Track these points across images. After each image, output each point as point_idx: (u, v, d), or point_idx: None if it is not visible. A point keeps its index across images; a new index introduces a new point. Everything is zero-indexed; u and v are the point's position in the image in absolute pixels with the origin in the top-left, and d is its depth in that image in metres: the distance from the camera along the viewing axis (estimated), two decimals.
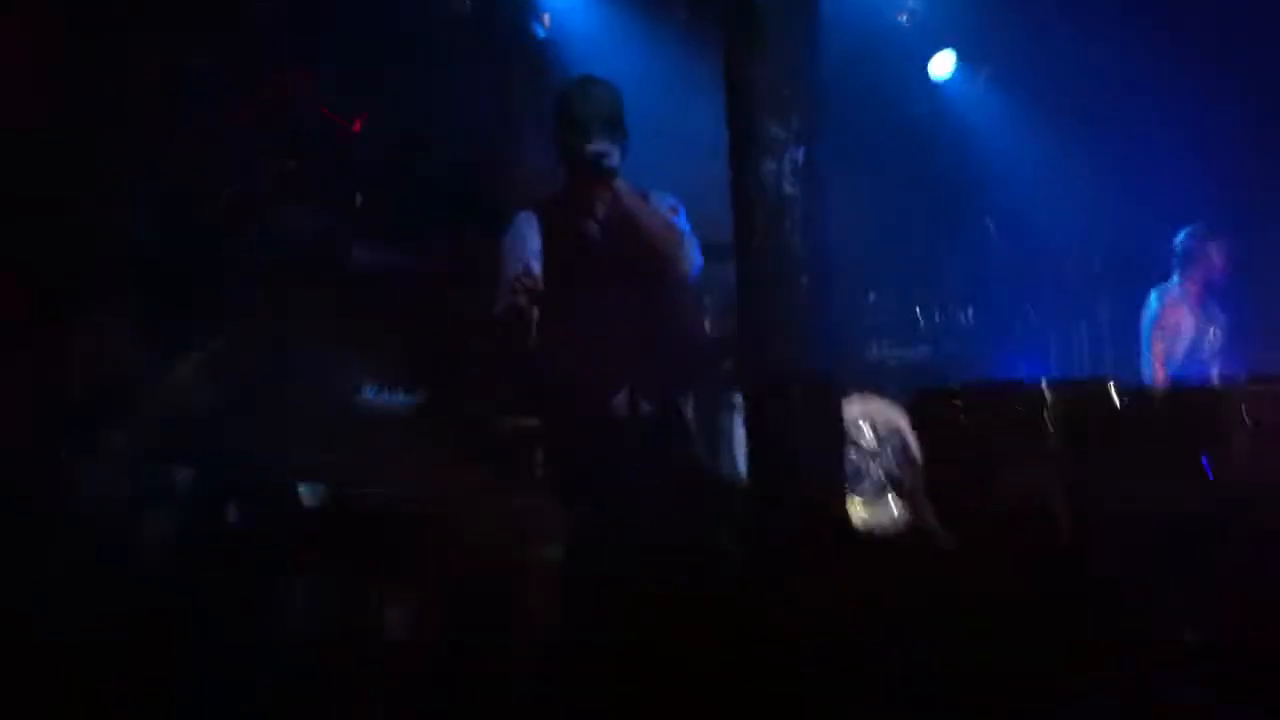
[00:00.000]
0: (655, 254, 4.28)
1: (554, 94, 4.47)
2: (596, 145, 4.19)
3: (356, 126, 6.02)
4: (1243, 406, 4.48)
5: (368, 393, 5.11)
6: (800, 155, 4.40)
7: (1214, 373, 6.60)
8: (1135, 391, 4.56)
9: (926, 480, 4.43)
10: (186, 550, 4.01)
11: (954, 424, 4.26)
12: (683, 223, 4.42)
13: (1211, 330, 6.71)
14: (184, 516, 4.08)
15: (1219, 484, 4.19)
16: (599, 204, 4.33)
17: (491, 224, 6.40)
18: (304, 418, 4.51)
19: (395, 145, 6.13)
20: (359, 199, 5.81)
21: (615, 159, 4.25)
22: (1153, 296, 6.85)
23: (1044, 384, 4.19)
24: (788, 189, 4.44)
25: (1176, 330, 6.72)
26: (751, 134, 5.03)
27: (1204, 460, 4.22)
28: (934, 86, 8.35)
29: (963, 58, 8.25)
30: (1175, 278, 6.83)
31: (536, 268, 4.24)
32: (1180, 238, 6.85)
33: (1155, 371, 6.71)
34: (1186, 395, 4.87)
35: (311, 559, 4.29)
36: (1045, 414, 4.11)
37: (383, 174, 6.05)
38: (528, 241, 4.26)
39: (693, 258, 4.43)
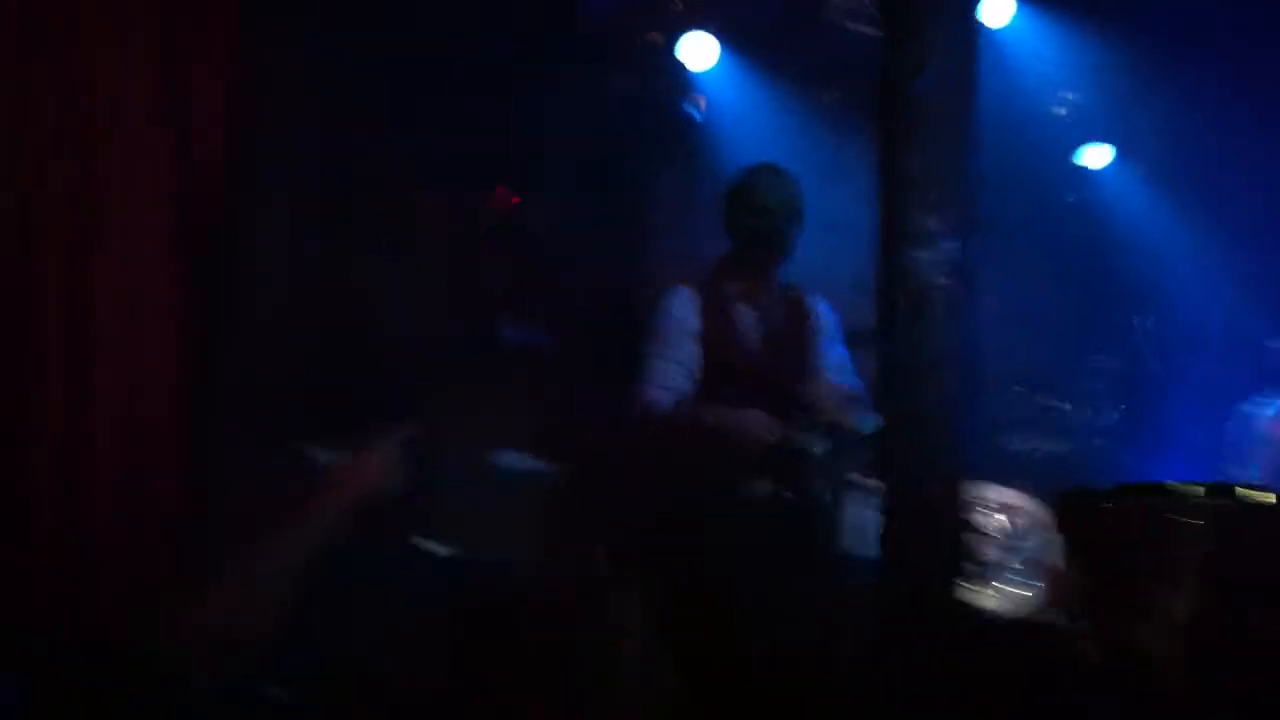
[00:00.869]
0: (804, 351, 4.26)
1: (734, 178, 4.50)
2: (779, 225, 4.21)
3: (515, 199, 6.16)
4: None
5: (504, 460, 5.19)
6: (951, 247, 4.39)
7: None
8: None
9: (1067, 583, 4.33)
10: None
11: (1099, 527, 4.14)
12: (829, 315, 4.40)
13: None
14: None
15: None
16: (764, 293, 4.32)
17: (632, 307, 6.55)
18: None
19: (553, 225, 6.24)
20: (505, 279, 5.92)
21: (793, 242, 4.27)
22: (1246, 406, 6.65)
23: (1203, 490, 4.06)
24: (937, 279, 4.43)
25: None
26: (903, 223, 5.03)
27: None
28: (1089, 179, 8.25)
29: (1119, 151, 8.15)
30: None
31: (693, 353, 4.22)
32: None
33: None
34: None
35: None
36: (1203, 523, 3.98)
37: (539, 254, 6.17)
38: (686, 322, 4.26)
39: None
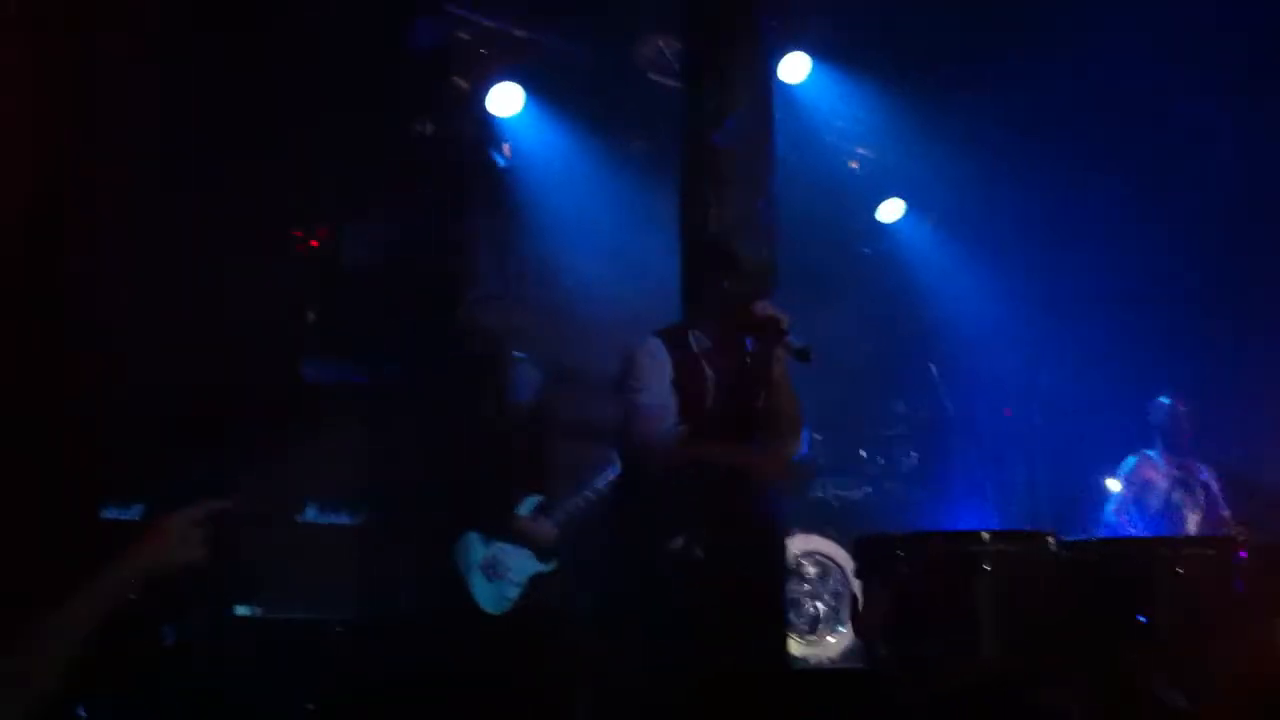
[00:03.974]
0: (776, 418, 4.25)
1: (713, 238, 4.49)
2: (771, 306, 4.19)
3: (315, 243, 6.06)
4: (1175, 564, 4.59)
5: (309, 513, 5.08)
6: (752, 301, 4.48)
7: (1192, 523, 6.74)
8: (1074, 545, 4.60)
9: (863, 621, 4.44)
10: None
11: (894, 571, 4.27)
12: None
13: (1183, 492, 6.86)
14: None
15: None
16: (736, 348, 4.28)
17: (441, 343, 6.52)
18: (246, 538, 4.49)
19: (362, 264, 6.16)
20: (311, 316, 5.81)
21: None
22: (1130, 459, 6.99)
23: (985, 536, 4.23)
24: None
25: (1145, 485, 6.88)
26: (705, 275, 5.14)
27: (1140, 616, 4.28)
28: (883, 231, 8.54)
29: (911, 204, 8.45)
30: (1156, 445, 6.98)
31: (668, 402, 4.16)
32: (1152, 411, 7.01)
33: (1119, 516, 6.85)
34: (1120, 549, 4.93)
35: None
36: (984, 567, 4.14)
37: (340, 290, 6.08)
38: (665, 369, 4.19)
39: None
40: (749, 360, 4.24)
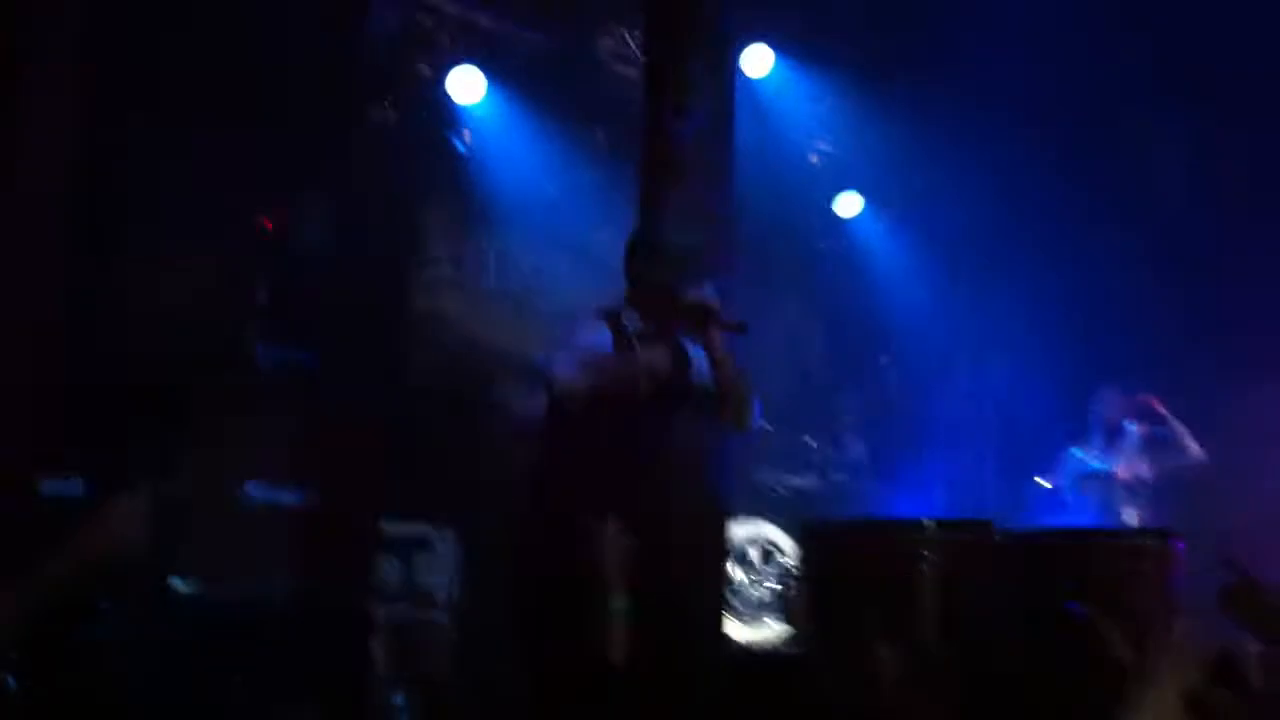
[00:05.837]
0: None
1: (641, 225, 4.52)
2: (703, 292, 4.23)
3: (269, 224, 6.05)
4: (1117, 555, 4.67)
5: (252, 490, 5.09)
6: (708, 286, 4.53)
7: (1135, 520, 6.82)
8: (1014, 534, 4.67)
9: (804, 607, 4.49)
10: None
11: (837, 558, 4.33)
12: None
13: (1124, 490, 6.94)
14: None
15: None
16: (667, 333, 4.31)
17: (395, 326, 6.53)
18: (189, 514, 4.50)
19: (312, 247, 6.16)
20: (263, 296, 5.81)
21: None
22: (1075, 451, 7.05)
23: (927, 524, 4.28)
24: None
25: (1086, 484, 6.95)
26: (629, 262, 5.16)
27: (1072, 605, 4.34)
28: (840, 224, 8.61)
29: (869, 199, 8.52)
30: (1095, 438, 7.05)
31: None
32: (1096, 403, 7.08)
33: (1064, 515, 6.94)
34: (1059, 539, 5.00)
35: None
36: (926, 553, 4.20)
37: (297, 274, 6.07)
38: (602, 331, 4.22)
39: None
40: (680, 345, 4.27)
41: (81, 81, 5.19)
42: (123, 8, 5.47)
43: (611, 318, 4.32)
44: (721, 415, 4.31)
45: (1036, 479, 7.09)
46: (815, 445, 7.77)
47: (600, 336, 4.24)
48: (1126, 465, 6.93)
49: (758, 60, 7.54)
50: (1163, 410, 6.95)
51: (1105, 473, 6.92)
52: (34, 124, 4.96)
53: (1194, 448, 6.90)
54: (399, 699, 5.20)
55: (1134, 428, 6.96)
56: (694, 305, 4.17)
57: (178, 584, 4.38)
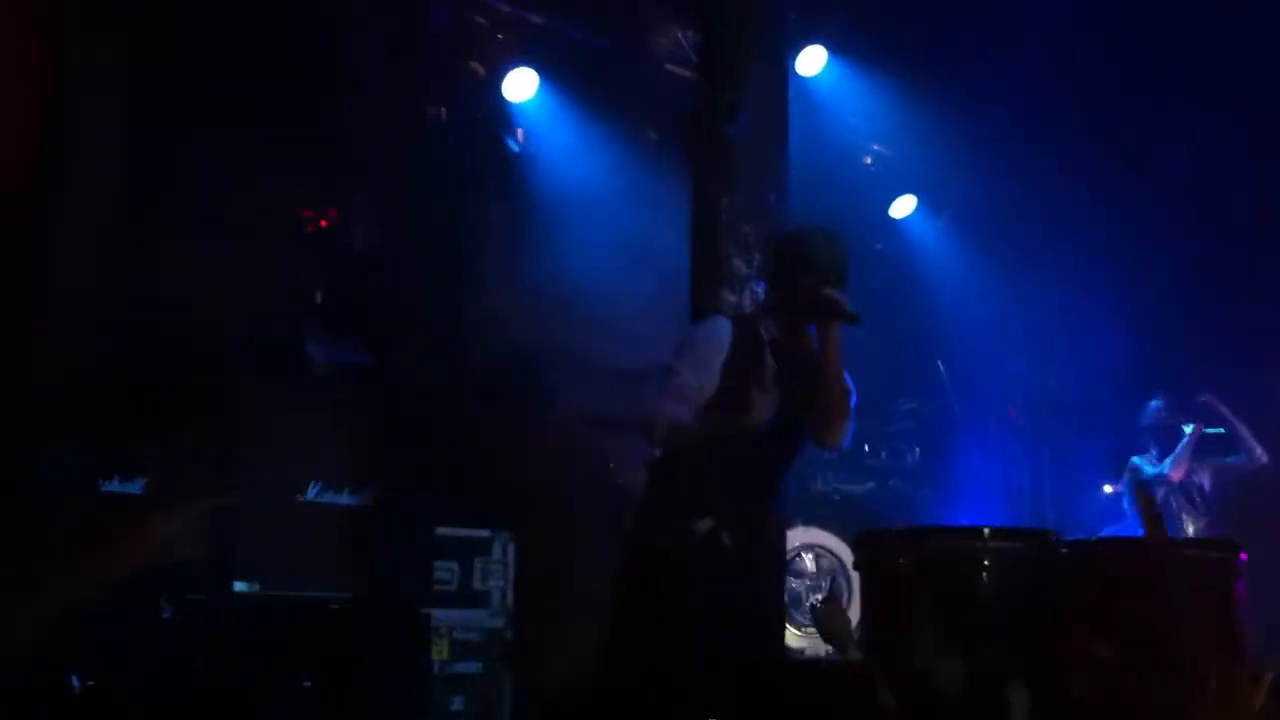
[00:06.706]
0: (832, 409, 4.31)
1: (791, 237, 4.52)
2: (836, 292, 4.24)
3: (324, 223, 6.07)
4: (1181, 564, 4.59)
5: (310, 492, 5.10)
6: (761, 290, 4.49)
7: (1191, 529, 6.71)
8: (1074, 544, 4.59)
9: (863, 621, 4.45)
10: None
11: (893, 566, 4.27)
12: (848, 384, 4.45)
13: (1182, 498, 6.82)
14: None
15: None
16: (796, 344, 4.33)
17: (450, 326, 6.53)
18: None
19: (365, 246, 6.17)
20: (319, 296, 5.82)
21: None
22: (1136, 461, 6.95)
23: (985, 532, 4.22)
24: None
25: (1154, 490, 6.84)
26: (714, 265, 5.14)
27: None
28: (895, 227, 8.54)
29: (923, 202, 8.45)
30: (1152, 449, 6.94)
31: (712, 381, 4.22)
32: (1146, 414, 6.97)
33: (1146, 526, 6.82)
34: (1120, 549, 4.92)
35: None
36: (985, 563, 4.13)
37: (352, 273, 6.08)
38: (720, 349, 4.24)
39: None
40: (812, 351, 4.27)
41: (132, 80, 5.22)
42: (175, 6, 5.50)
43: (748, 322, 4.33)
44: (812, 423, 4.31)
45: (1105, 487, 7.00)
46: (870, 451, 7.72)
47: (722, 337, 4.23)
48: (1181, 470, 6.81)
49: (811, 60, 7.49)
50: (1223, 410, 6.83)
51: (1163, 479, 6.81)
52: (85, 123, 4.98)
53: (1258, 450, 6.79)
54: (457, 700, 5.20)
55: (1190, 431, 6.84)
56: (829, 299, 4.18)
57: (236, 585, 4.39)
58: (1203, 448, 6.87)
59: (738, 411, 4.16)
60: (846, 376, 4.37)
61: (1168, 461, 6.80)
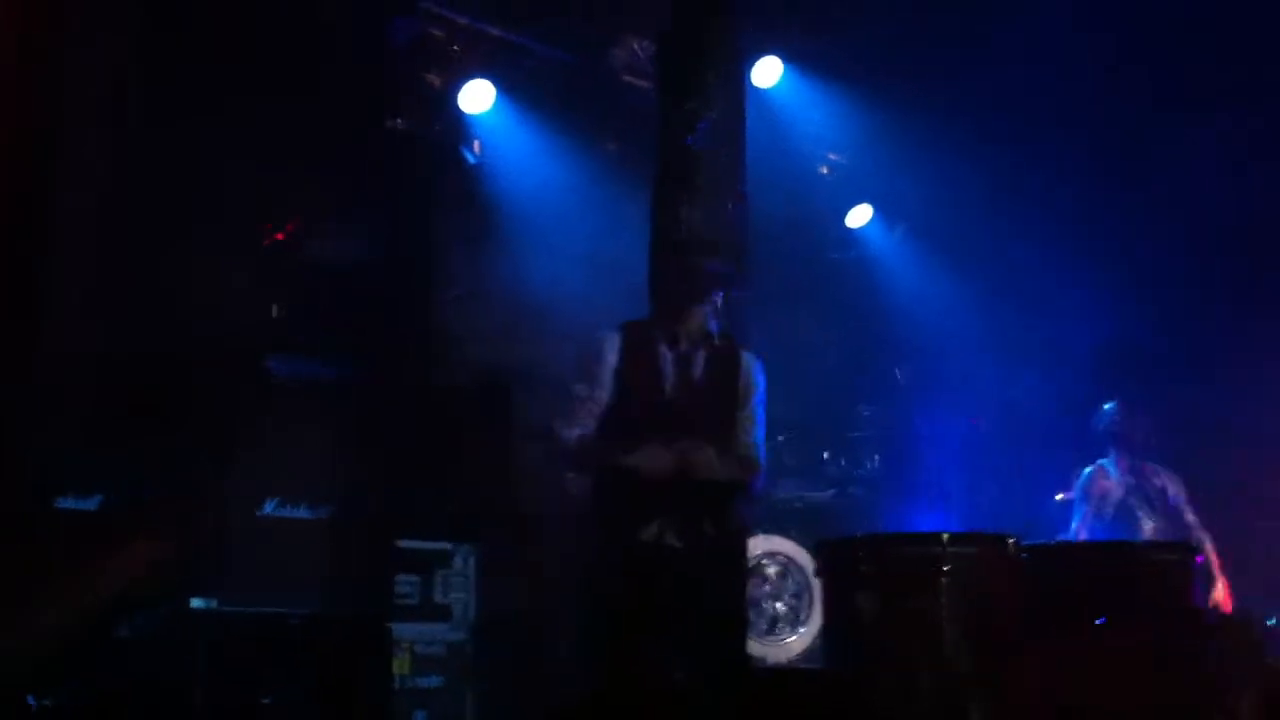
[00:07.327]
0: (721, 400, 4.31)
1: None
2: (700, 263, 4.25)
3: (282, 236, 6.03)
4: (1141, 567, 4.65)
5: (268, 507, 5.06)
6: (719, 298, 4.50)
7: (1148, 529, 6.74)
8: (1034, 549, 4.63)
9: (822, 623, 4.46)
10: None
11: (854, 572, 4.29)
12: (759, 375, 4.45)
13: (1139, 498, 6.86)
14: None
15: None
16: (685, 338, 4.32)
17: (412, 339, 6.51)
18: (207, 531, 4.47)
19: (325, 259, 6.13)
20: (276, 310, 5.78)
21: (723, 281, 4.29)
22: (1085, 470, 7.00)
23: (945, 538, 4.24)
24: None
25: (1103, 496, 6.87)
26: (674, 274, 5.13)
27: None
28: (852, 236, 8.58)
29: (880, 211, 8.49)
30: (1110, 453, 6.98)
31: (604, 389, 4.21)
32: (1102, 418, 7.01)
33: (1079, 531, 6.86)
34: (1081, 554, 4.97)
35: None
36: (945, 568, 4.16)
37: (308, 285, 6.05)
38: (609, 364, 4.23)
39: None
40: (714, 355, 4.26)
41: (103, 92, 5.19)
42: (143, 18, 5.46)
43: (641, 329, 4.31)
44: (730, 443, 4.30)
45: (1058, 496, 7.03)
46: (830, 459, 7.74)
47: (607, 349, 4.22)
48: (1139, 478, 6.86)
49: (767, 71, 7.52)
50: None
51: (1121, 484, 6.85)
52: (69, 137, 4.95)
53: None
54: (420, 715, 5.17)
55: (1148, 439, 6.89)
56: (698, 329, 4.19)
57: (194, 602, 4.35)
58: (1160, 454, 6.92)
59: (624, 450, 4.16)
60: (759, 448, 4.35)
61: (1131, 471, 6.85)
